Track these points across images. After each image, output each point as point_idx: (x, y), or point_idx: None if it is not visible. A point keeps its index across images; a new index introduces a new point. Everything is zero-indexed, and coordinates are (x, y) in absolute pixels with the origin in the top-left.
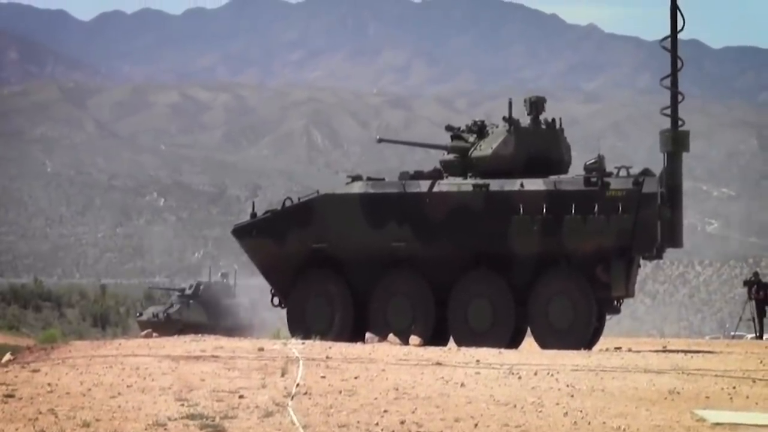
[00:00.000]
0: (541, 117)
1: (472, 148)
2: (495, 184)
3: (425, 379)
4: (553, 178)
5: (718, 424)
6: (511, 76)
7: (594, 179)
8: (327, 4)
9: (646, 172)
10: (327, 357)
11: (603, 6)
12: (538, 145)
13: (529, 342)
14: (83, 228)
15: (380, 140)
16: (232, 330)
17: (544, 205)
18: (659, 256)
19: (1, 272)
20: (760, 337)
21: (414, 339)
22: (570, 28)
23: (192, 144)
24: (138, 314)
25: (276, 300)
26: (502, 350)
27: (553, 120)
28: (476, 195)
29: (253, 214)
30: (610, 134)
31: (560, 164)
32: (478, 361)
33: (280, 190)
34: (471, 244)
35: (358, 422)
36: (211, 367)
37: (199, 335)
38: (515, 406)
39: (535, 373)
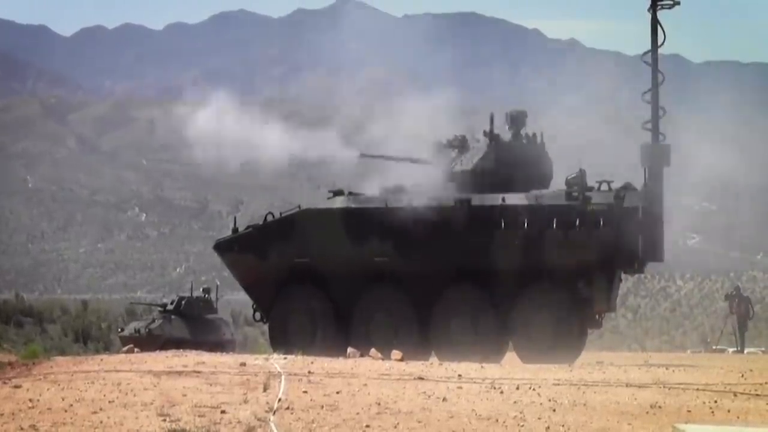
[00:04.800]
0: (523, 131)
1: (454, 163)
2: (476, 199)
3: (407, 394)
4: (534, 192)
5: None
6: (493, 91)
7: (575, 194)
8: (308, 20)
9: (627, 187)
10: (309, 372)
11: (584, 21)
12: (520, 159)
13: (511, 356)
14: (65, 243)
15: (361, 155)
16: (214, 345)
17: (526, 220)
18: (641, 271)
19: None
20: (742, 350)
21: (396, 354)
22: (551, 42)
23: (173, 159)
24: (120, 329)
25: (258, 315)
26: (484, 365)
27: (534, 134)
28: (458, 210)
29: (235, 229)
30: (591, 148)
31: (542, 178)
32: (459, 375)
33: (261, 205)
34: (453, 258)
35: None
36: (193, 383)
37: (181, 350)
38: (497, 420)
39: (517, 388)
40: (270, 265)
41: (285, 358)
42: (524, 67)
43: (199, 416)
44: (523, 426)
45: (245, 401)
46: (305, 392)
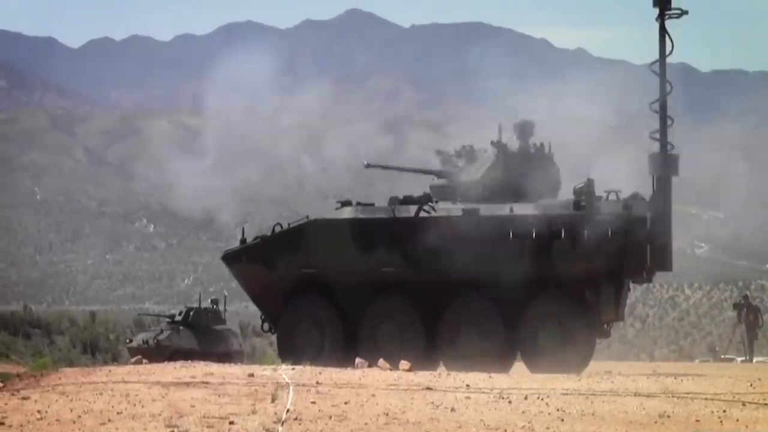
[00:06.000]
0: (530, 141)
1: (462, 173)
2: (485, 209)
3: (415, 404)
4: (542, 202)
5: None
6: (501, 101)
7: (583, 203)
8: (315, 30)
9: (635, 196)
10: (317, 382)
11: (591, 30)
12: (527, 169)
13: (519, 366)
14: (73, 255)
15: (368, 165)
16: (223, 356)
17: (534, 230)
18: (649, 280)
19: None
20: (750, 360)
21: (404, 364)
22: (559, 52)
23: (181, 170)
24: (128, 341)
25: (266, 326)
26: (492, 374)
27: (542, 144)
28: (466, 220)
29: (243, 240)
30: (599, 158)
31: (550, 188)
32: (468, 385)
33: (269, 216)
34: (461, 268)
35: None
36: (201, 394)
37: (189, 361)
38: (506, 430)
39: (526, 398)
40: (278, 276)
41: (293, 369)
42: (531, 76)
43: (207, 427)
44: None
45: (253, 412)
46: (313, 403)
